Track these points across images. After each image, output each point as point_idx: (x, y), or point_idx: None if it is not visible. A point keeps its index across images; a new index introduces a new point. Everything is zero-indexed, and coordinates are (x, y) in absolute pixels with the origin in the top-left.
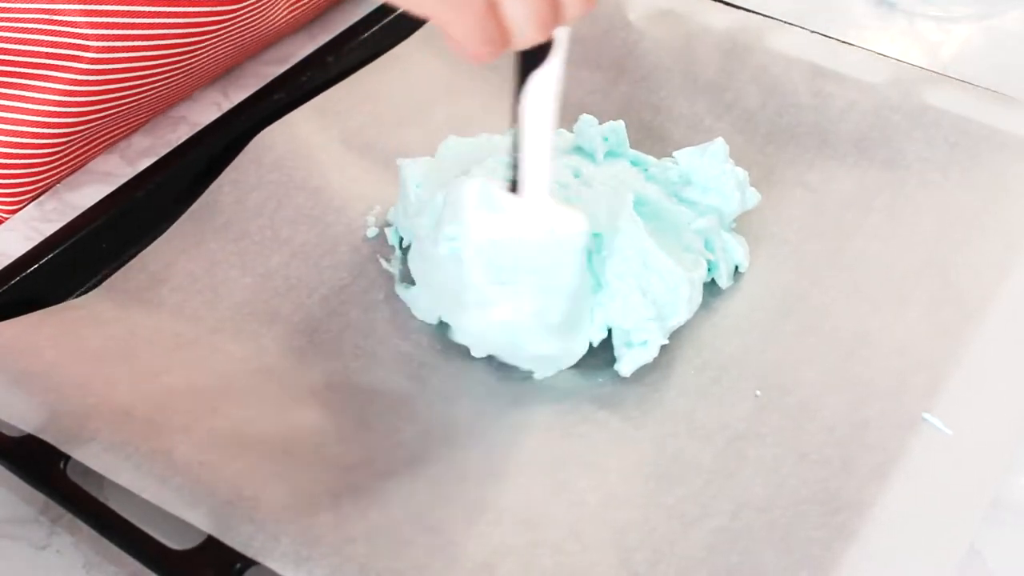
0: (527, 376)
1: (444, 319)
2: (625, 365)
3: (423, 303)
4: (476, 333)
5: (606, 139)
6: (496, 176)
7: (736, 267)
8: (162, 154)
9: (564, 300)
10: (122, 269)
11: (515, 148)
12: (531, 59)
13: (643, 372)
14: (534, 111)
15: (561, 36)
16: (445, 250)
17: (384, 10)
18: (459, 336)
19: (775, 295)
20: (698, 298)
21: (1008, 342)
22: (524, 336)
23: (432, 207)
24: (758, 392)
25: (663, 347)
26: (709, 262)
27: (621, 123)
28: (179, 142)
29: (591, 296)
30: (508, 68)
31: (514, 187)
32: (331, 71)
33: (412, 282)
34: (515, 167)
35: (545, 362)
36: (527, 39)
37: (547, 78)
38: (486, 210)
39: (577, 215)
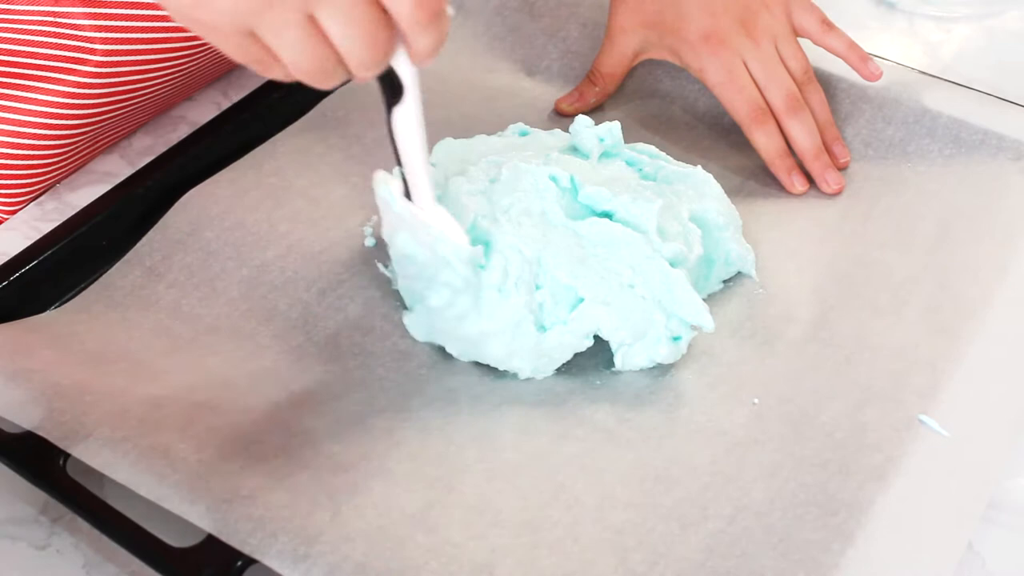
0: (526, 377)
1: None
2: (618, 360)
3: (410, 315)
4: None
5: (602, 139)
6: (486, 176)
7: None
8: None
9: (469, 306)
10: (118, 264)
11: (398, 162)
12: (389, 94)
13: (640, 375)
14: (404, 137)
15: (409, 77)
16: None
17: None
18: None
19: (774, 301)
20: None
21: (1006, 344)
22: (487, 347)
23: None
24: (755, 400)
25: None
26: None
27: (617, 124)
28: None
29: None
30: (506, 70)
31: (407, 194)
32: None
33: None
34: (404, 179)
35: (518, 366)
36: (361, 63)
37: (407, 113)
38: (391, 206)
39: (459, 229)
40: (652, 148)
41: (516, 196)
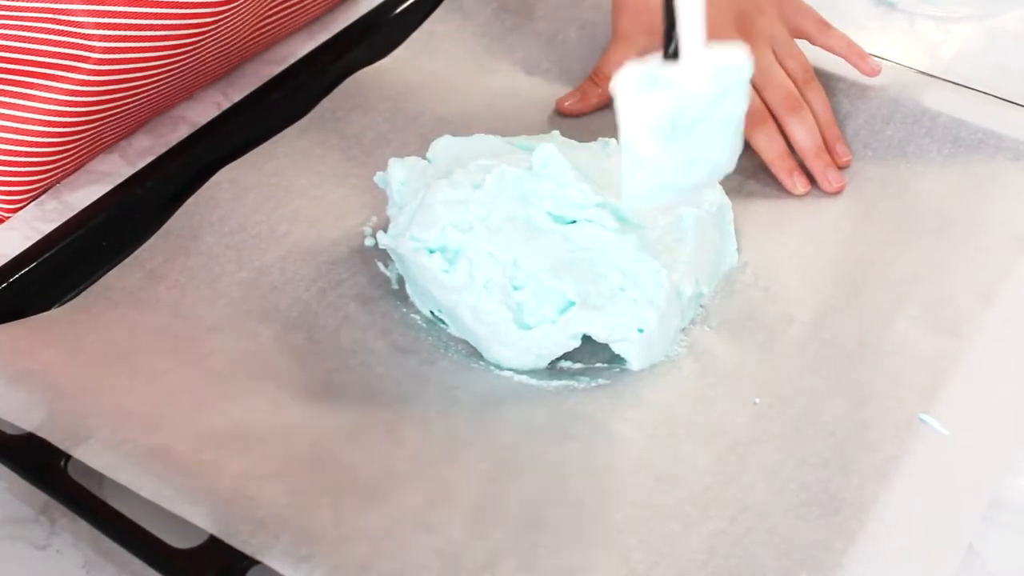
0: (527, 376)
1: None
2: (619, 347)
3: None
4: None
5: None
6: (470, 181)
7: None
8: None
9: (735, 136)
10: (119, 266)
11: (668, 8)
12: None
13: (641, 375)
14: None
15: None
16: (406, 248)
17: (382, 10)
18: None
19: (774, 301)
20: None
21: (1006, 343)
22: (484, 339)
23: (411, 205)
24: (757, 400)
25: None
26: None
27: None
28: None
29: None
30: (505, 71)
31: (674, 53)
32: (330, 71)
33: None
34: (671, 27)
35: (504, 358)
36: None
37: None
38: (651, 90)
39: (735, 47)
40: None
41: (499, 202)
